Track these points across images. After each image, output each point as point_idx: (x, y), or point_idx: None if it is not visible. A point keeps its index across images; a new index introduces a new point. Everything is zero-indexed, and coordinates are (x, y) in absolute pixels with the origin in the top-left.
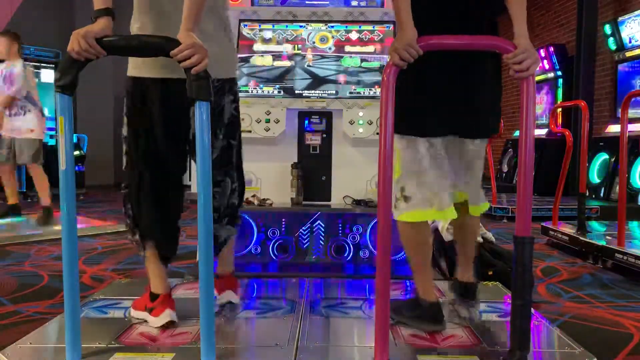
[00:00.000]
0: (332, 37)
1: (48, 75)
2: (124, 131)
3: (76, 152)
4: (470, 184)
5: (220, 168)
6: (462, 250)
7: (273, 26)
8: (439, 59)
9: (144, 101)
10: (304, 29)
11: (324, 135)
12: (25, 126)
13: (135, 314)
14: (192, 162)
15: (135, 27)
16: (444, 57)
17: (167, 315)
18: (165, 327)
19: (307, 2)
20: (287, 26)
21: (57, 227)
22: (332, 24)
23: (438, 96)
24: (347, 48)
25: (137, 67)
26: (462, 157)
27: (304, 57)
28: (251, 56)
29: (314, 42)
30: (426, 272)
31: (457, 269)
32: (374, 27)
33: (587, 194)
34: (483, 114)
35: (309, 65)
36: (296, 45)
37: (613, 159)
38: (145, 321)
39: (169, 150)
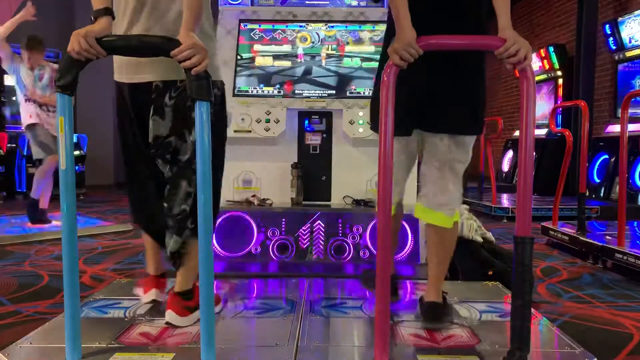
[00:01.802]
0: (370, 37)
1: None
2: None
3: (76, 152)
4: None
5: (182, 169)
6: (434, 266)
7: (273, 26)
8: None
9: (123, 103)
10: (336, 30)
11: (324, 135)
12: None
13: (136, 290)
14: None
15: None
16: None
17: (151, 294)
18: (151, 304)
19: (307, 2)
20: (287, 26)
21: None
22: (332, 24)
23: (403, 95)
24: (347, 48)
25: (115, 71)
26: (435, 158)
27: (316, 56)
28: (253, 56)
29: (347, 42)
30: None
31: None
32: (374, 27)
33: (587, 194)
34: (451, 110)
35: (319, 65)
36: (329, 46)
37: (613, 159)
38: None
39: (146, 149)
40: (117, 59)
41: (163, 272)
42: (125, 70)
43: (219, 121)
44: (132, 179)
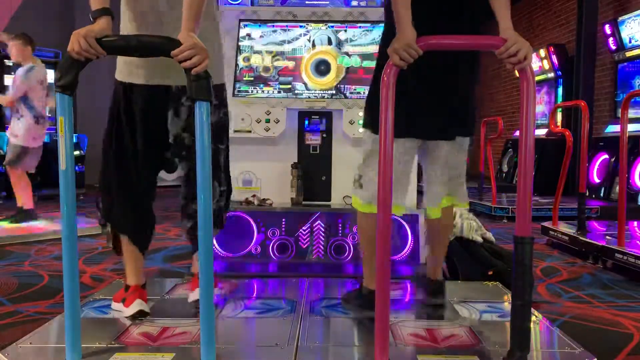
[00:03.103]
0: (370, 38)
1: (48, 76)
2: (105, 132)
3: (76, 152)
4: (454, 183)
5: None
6: (434, 250)
7: (273, 26)
8: (417, 61)
9: (126, 103)
10: (336, 29)
11: (324, 135)
12: (14, 130)
13: (114, 305)
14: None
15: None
16: (422, 60)
17: (137, 305)
18: (136, 316)
19: (307, 2)
20: (287, 26)
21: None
22: (332, 24)
23: (415, 99)
24: (347, 48)
25: (121, 71)
26: (440, 159)
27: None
28: (253, 56)
29: (347, 42)
30: (373, 262)
31: (428, 268)
32: (374, 27)
33: (587, 194)
34: (457, 117)
35: (321, 65)
36: (336, 45)
37: (613, 159)
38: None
39: (144, 151)
40: (127, 60)
41: (144, 282)
42: (145, 72)
43: (229, 120)
44: (125, 184)
